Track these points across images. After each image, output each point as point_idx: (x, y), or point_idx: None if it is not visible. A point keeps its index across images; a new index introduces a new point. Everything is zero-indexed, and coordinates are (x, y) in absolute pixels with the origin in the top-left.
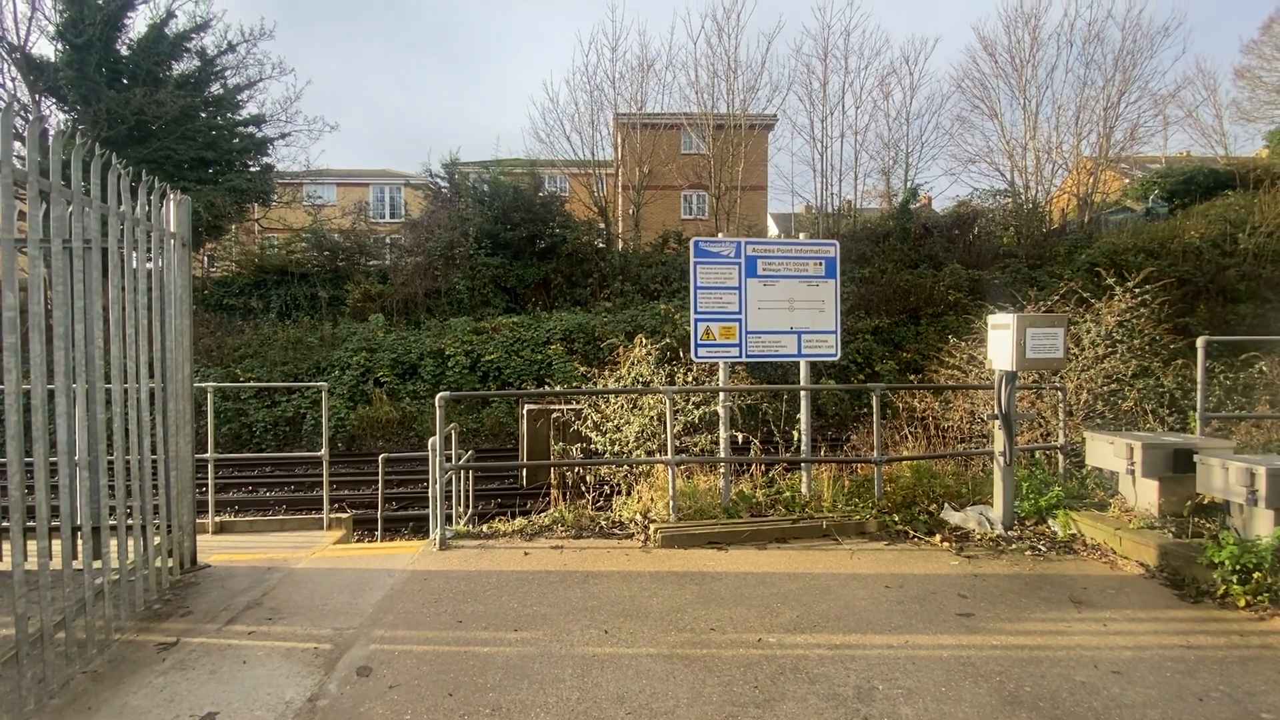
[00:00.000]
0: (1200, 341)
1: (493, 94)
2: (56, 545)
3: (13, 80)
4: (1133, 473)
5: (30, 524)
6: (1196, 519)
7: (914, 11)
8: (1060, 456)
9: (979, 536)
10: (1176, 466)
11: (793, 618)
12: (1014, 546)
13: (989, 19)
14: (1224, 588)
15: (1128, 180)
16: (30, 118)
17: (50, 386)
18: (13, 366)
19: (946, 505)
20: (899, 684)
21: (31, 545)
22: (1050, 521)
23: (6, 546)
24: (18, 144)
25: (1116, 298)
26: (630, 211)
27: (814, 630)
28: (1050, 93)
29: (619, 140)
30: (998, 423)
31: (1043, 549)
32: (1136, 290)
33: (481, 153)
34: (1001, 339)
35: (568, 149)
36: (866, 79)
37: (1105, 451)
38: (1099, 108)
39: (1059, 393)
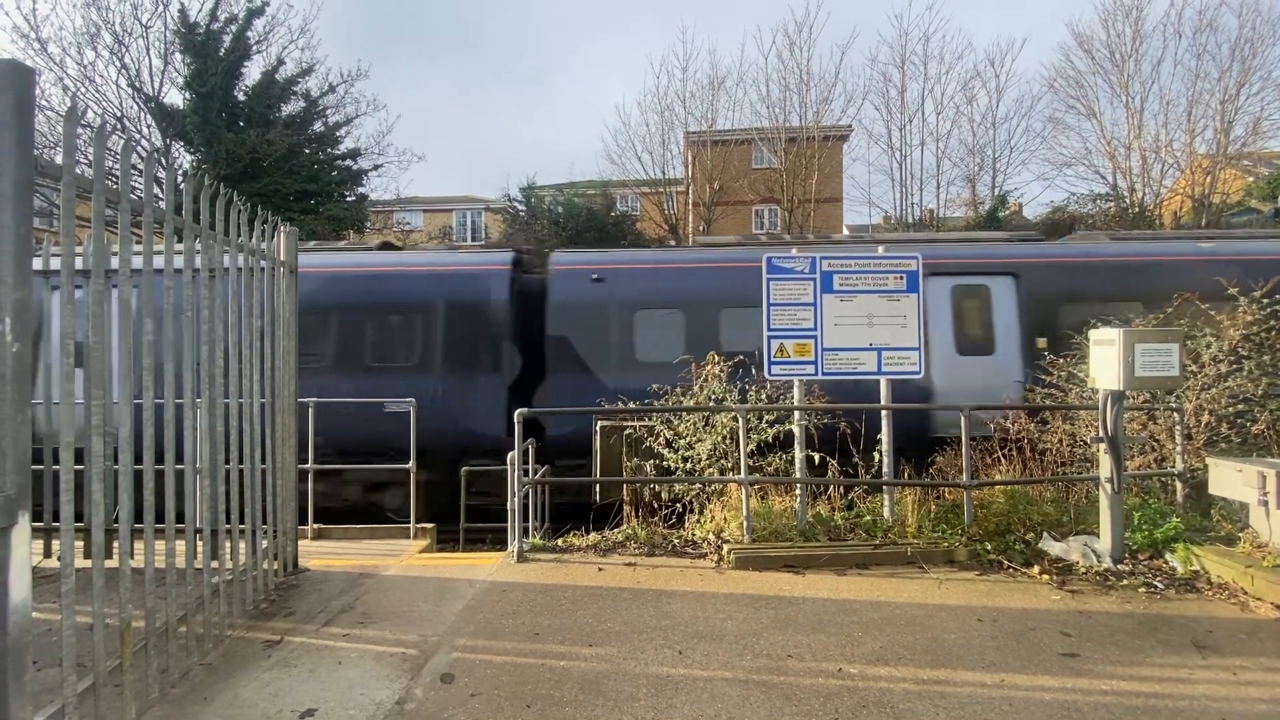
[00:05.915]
0: None
1: (566, 119)
2: (177, 545)
3: (148, 127)
4: (1265, 503)
5: (159, 525)
6: None
7: (998, 12)
8: (1178, 484)
9: (1084, 570)
10: None
11: (876, 648)
12: (1125, 582)
13: (1083, 14)
14: None
15: (1252, 179)
16: (163, 161)
17: (179, 401)
18: (150, 384)
19: (1045, 534)
20: None
21: (158, 546)
22: (1168, 556)
23: (139, 546)
24: (154, 185)
25: (1241, 308)
26: (701, 228)
27: (899, 663)
28: (1157, 88)
29: (689, 158)
30: (1103, 446)
31: (1159, 586)
32: (1265, 300)
33: (556, 175)
34: (1106, 355)
35: (639, 169)
36: (948, 84)
37: (1233, 480)
38: (1214, 101)
39: (1175, 414)
